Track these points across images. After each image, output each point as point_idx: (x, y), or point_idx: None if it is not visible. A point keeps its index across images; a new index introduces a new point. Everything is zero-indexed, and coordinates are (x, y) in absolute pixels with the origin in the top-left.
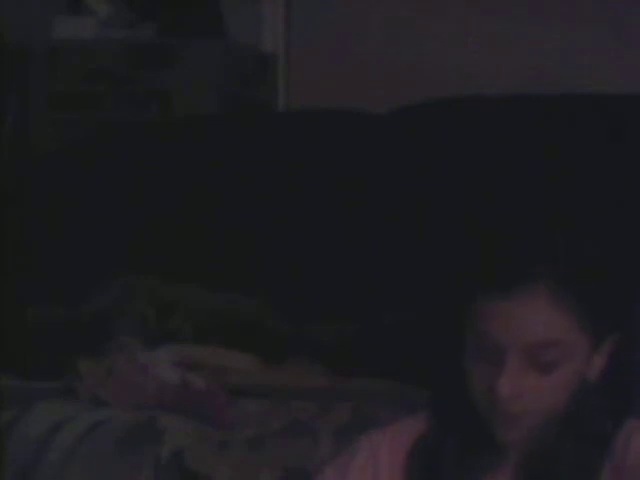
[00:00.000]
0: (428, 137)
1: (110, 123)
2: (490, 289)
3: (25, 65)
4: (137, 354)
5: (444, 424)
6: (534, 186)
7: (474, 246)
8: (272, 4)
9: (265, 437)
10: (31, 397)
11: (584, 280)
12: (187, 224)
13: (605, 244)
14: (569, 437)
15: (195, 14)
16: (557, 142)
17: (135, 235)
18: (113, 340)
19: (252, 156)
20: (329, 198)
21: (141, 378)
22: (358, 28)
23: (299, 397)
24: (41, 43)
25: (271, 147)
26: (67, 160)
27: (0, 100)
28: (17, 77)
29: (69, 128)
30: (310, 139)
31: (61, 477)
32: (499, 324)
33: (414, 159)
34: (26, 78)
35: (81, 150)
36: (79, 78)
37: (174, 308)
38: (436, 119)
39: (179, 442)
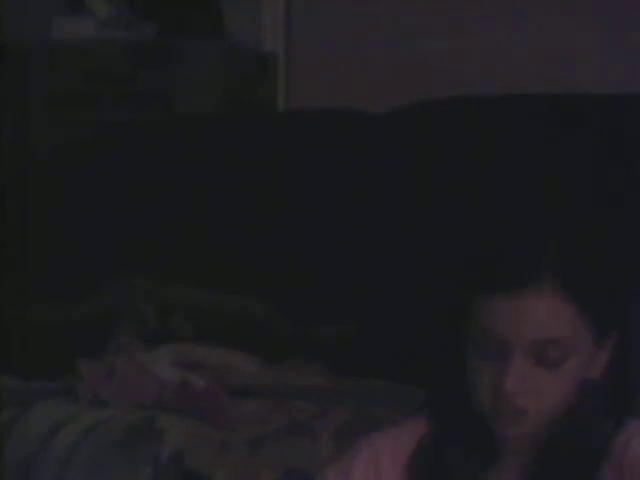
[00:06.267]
0: (428, 137)
1: (110, 123)
2: (496, 287)
3: (25, 65)
4: (137, 354)
5: (445, 426)
6: (534, 185)
7: (476, 245)
8: (272, 4)
9: (265, 437)
10: (31, 397)
11: (588, 276)
12: (187, 224)
13: (606, 241)
14: (570, 436)
15: (195, 14)
16: (557, 142)
17: (135, 235)
18: (113, 340)
19: (252, 156)
20: (329, 198)
21: (141, 378)
22: (358, 28)
23: (299, 397)
24: (41, 43)
25: (271, 147)
26: (67, 160)
27: (0, 100)
28: (17, 77)
29: (69, 128)
30: (310, 139)
31: (61, 477)
32: (505, 321)
33: (414, 159)
34: (26, 78)
35: (81, 150)
36: (79, 78)
37: (174, 308)
38: (436, 119)
39: (179, 442)
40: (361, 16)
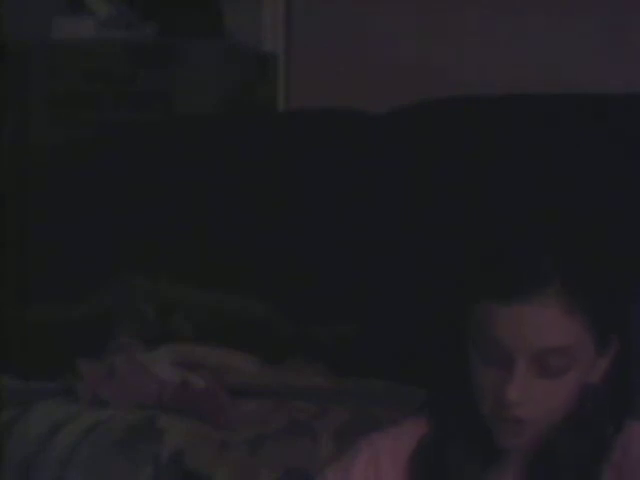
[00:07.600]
0: (428, 137)
1: (110, 123)
2: (497, 291)
3: (25, 65)
4: (137, 354)
5: (446, 426)
6: (534, 186)
7: (477, 247)
8: (272, 4)
9: (265, 437)
10: (31, 397)
11: (589, 278)
12: (187, 224)
13: (606, 241)
14: (571, 439)
15: (195, 14)
16: (557, 142)
17: (135, 235)
18: (113, 340)
19: (252, 156)
20: (329, 198)
21: (141, 378)
22: (358, 28)
23: (299, 397)
24: (41, 43)
25: (271, 147)
26: (67, 160)
27: (0, 100)
28: (17, 77)
29: (69, 128)
30: (310, 139)
31: (61, 477)
32: (509, 329)
33: (414, 159)
34: (26, 78)
35: (81, 150)
36: (79, 78)
37: (174, 308)
38: (435, 119)
39: (179, 442)
40: (361, 16)
